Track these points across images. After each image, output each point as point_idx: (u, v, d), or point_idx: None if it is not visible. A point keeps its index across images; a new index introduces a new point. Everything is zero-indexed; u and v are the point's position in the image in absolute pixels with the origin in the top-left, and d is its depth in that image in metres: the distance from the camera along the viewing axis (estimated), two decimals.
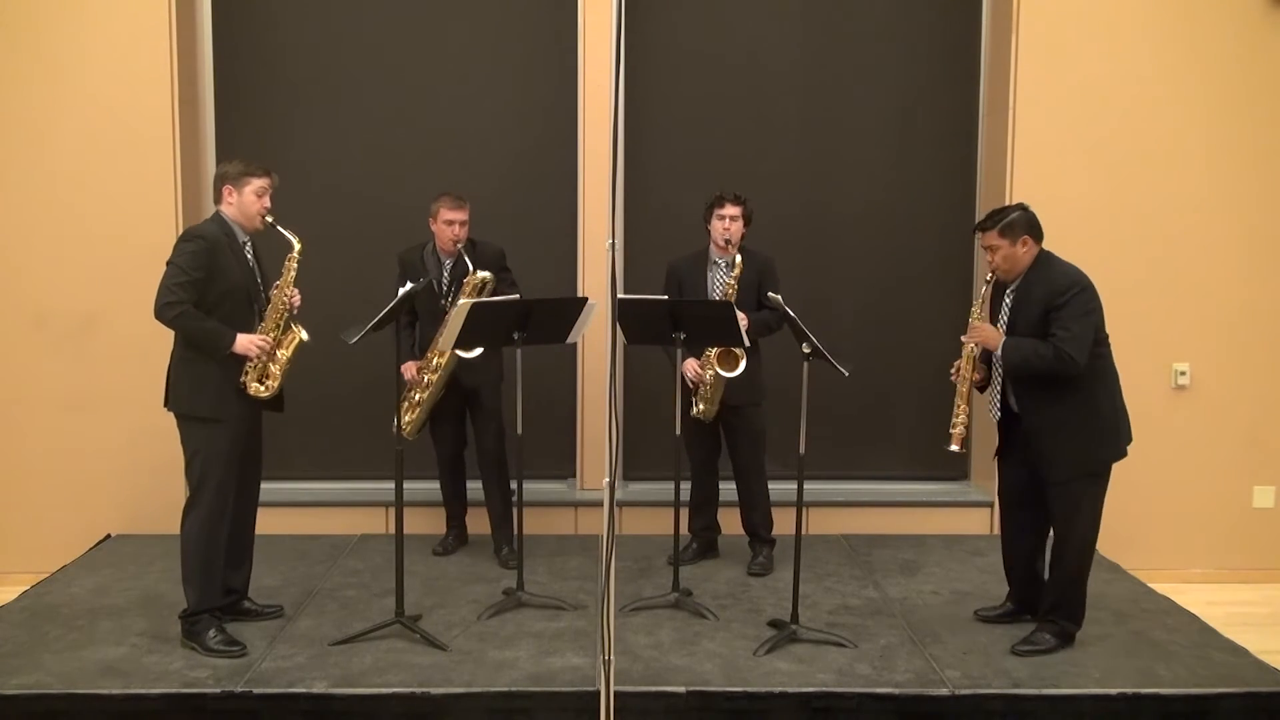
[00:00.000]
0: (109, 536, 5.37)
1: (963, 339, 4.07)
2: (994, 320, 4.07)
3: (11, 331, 5.27)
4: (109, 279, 5.22)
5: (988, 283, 4.10)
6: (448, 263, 4.87)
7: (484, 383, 4.89)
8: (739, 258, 4.68)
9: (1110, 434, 3.95)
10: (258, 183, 4.00)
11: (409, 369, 4.86)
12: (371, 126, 5.64)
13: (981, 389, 4.15)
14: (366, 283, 5.26)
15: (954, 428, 4.06)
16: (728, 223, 4.68)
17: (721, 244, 4.70)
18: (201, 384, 3.92)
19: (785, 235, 5.56)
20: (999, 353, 3.94)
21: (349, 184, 5.64)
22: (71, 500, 5.32)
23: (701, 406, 4.75)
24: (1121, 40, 5.32)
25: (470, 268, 4.72)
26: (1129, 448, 4.02)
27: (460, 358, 4.70)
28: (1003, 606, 4.37)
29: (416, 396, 4.88)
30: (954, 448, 4.08)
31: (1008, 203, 5.26)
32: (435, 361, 4.81)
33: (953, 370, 4.10)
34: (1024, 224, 3.94)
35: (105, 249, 5.23)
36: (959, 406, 4.07)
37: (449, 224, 4.77)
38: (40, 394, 5.29)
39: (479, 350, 4.64)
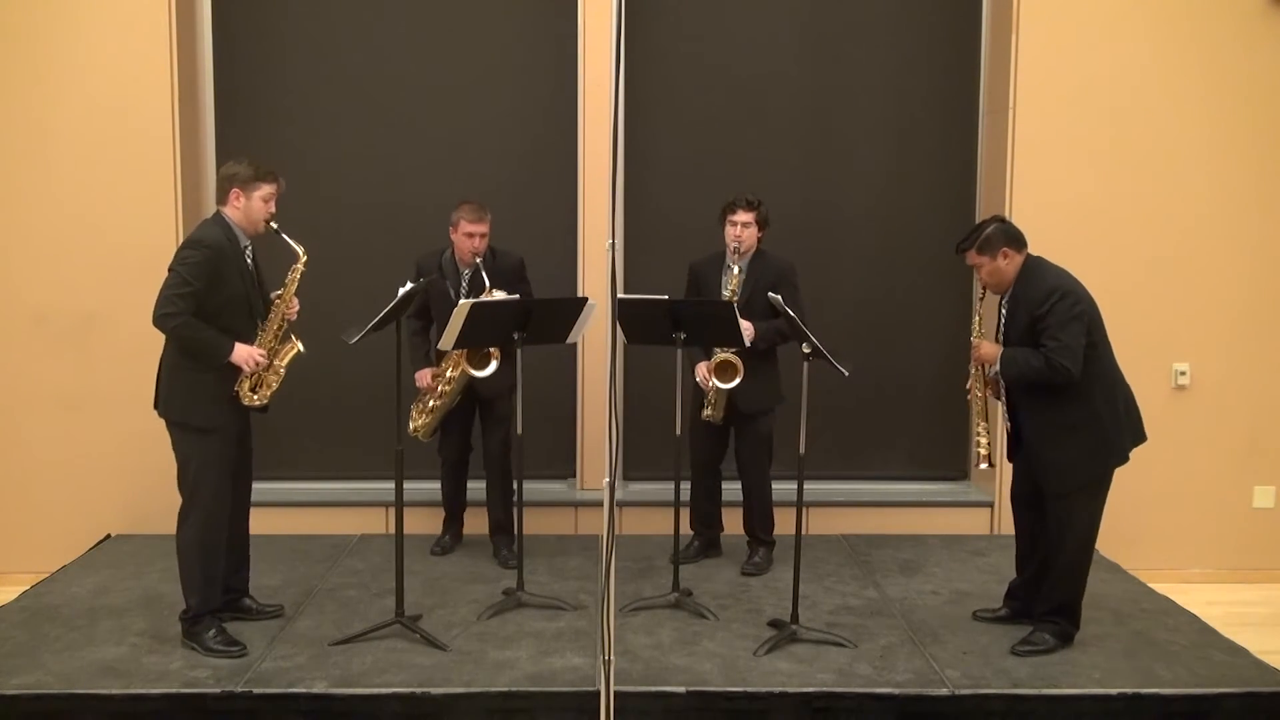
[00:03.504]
0: (109, 536, 5.37)
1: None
2: (996, 331, 4.09)
3: (11, 331, 5.27)
4: (109, 279, 5.22)
5: (980, 299, 4.14)
6: (466, 272, 4.82)
7: (500, 393, 4.85)
8: (738, 267, 4.67)
9: (1109, 441, 3.92)
10: (267, 188, 3.98)
11: (424, 376, 4.86)
12: (371, 127, 5.64)
13: (999, 398, 4.15)
14: (366, 282, 5.25)
15: (978, 447, 4.07)
16: (739, 229, 4.64)
17: (732, 249, 4.68)
18: (196, 392, 3.90)
19: (785, 235, 5.53)
20: (997, 368, 3.96)
21: (348, 184, 5.64)
22: (71, 500, 5.32)
23: (709, 410, 4.75)
24: (1121, 40, 5.31)
25: (486, 284, 4.65)
26: (1138, 447, 4.01)
27: (475, 375, 4.68)
28: (1000, 610, 4.36)
29: (431, 403, 4.88)
30: (983, 466, 4.09)
31: (1007, 204, 5.31)
32: (449, 373, 4.79)
33: (967, 389, 4.13)
34: (1000, 237, 3.93)
35: (105, 249, 5.23)
36: (977, 424, 4.08)
37: (469, 236, 4.71)
38: (40, 394, 5.28)
39: (493, 368, 4.64)
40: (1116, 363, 3.98)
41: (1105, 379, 3.93)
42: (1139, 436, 4.01)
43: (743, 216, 4.65)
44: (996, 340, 4.06)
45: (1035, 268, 3.94)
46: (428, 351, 4.93)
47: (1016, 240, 3.95)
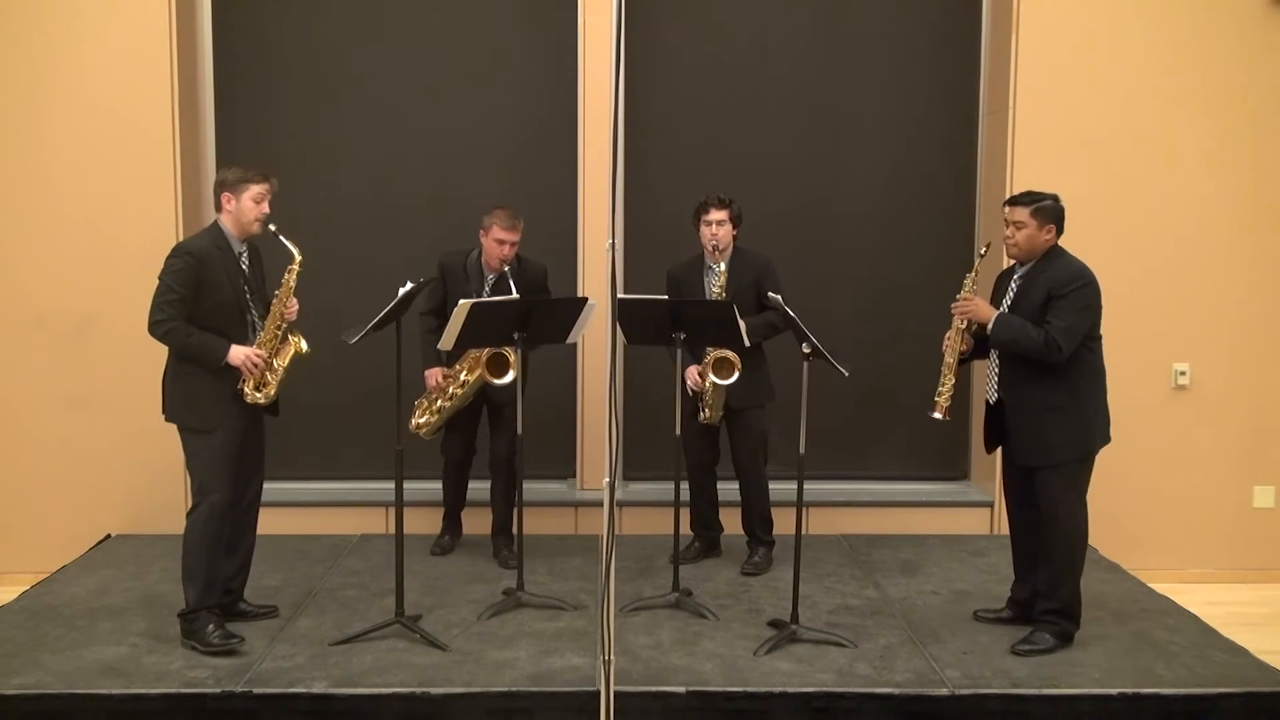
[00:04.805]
0: (109, 536, 5.37)
1: (952, 308, 4.10)
2: (998, 302, 4.11)
3: (11, 331, 5.27)
4: (109, 279, 5.21)
5: (980, 256, 4.13)
6: (490, 278, 4.81)
7: (512, 398, 4.83)
8: (722, 265, 4.67)
9: (1085, 429, 3.99)
10: (255, 189, 3.99)
11: (434, 375, 4.86)
12: (372, 127, 5.64)
13: (964, 361, 4.19)
14: (366, 283, 5.26)
15: (938, 396, 4.13)
16: (714, 228, 4.65)
17: (710, 249, 4.69)
18: (192, 395, 3.96)
19: (785, 235, 5.56)
20: (990, 326, 3.99)
21: (349, 184, 5.64)
22: (71, 500, 5.32)
23: (707, 413, 4.75)
24: (1121, 40, 5.31)
25: (513, 292, 4.59)
26: (1111, 449, 4.06)
27: (493, 383, 4.68)
28: (1003, 610, 4.36)
29: (439, 403, 4.87)
30: (937, 415, 4.14)
31: None
32: (464, 376, 4.79)
33: (945, 342, 4.15)
34: (1054, 212, 4.01)
35: (105, 249, 5.23)
36: (945, 376, 4.13)
37: (500, 244, 4.69)
38: (40, 394, 5.28)
39: (510, 377, 4.62)
40: (1103, 361, 4.05)
41: (1096, 372, 4.02)
42: (1106, 437, 4.07)
43: (716, 215, 4.66)
44: (988, 303, 4.10)
45: (1063, 253, 4.03)
46: (439, 353, 4.92)
47: (1061, 223, 4.03)
